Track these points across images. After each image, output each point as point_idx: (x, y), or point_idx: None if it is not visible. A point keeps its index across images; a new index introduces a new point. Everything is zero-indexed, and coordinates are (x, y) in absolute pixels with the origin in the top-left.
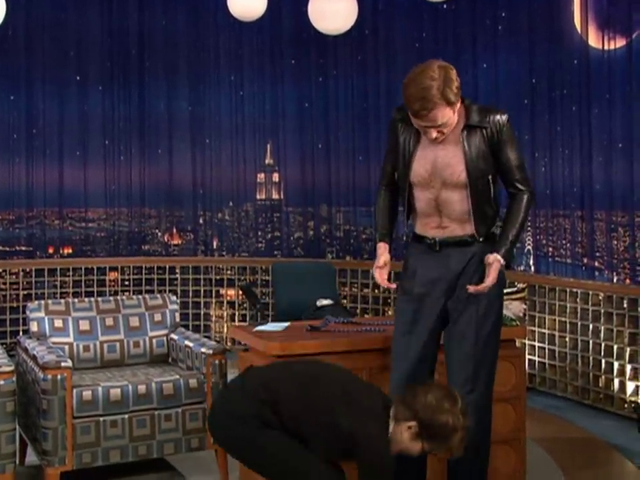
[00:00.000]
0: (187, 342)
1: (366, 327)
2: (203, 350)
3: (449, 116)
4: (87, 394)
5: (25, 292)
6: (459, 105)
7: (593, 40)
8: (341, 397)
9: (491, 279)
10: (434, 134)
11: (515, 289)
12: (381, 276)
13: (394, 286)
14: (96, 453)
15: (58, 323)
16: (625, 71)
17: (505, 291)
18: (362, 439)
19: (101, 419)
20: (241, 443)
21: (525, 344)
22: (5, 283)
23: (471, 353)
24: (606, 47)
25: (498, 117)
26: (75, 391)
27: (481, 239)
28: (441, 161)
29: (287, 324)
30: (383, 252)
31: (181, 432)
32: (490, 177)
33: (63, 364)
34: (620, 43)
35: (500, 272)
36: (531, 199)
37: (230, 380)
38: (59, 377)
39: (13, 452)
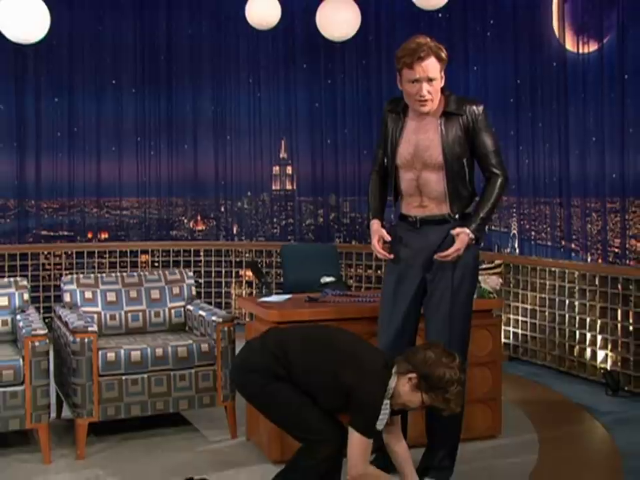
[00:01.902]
0: (200, 312)
1: (358, 298)
2: (214, 318)
3: (439, 76)
4: (111, 355)
5: (67, 272)
6: (443, 76)
7: (570, 44)
8: (345, 355)
9: (454, 248)
10: (424, 89)
11: (492, 264)
12: (380, 249)
13: (392, 256)
14: (119, 407)
15: (88, 294)
16: (598, 72)
17: (483, 266)
18: (359, 387)
19: (123, 377)
20: (255, 390)
21: (509, 318)
22: (49, 264)
23: (446, 322)
24: (581, 51)
25: (474, 107)
26: (100, 352)
27: (456, 217)
28: (422, 144)
29: (288, 296)
30: (377, 228)
31: (194, 390)
32: (465, 160)
33: (89, 329)
34: (593, 47)
35: (474, 250)
36: (505, 182)
37: (251, 338)
38: (86, 340)
39: (47, 404)
